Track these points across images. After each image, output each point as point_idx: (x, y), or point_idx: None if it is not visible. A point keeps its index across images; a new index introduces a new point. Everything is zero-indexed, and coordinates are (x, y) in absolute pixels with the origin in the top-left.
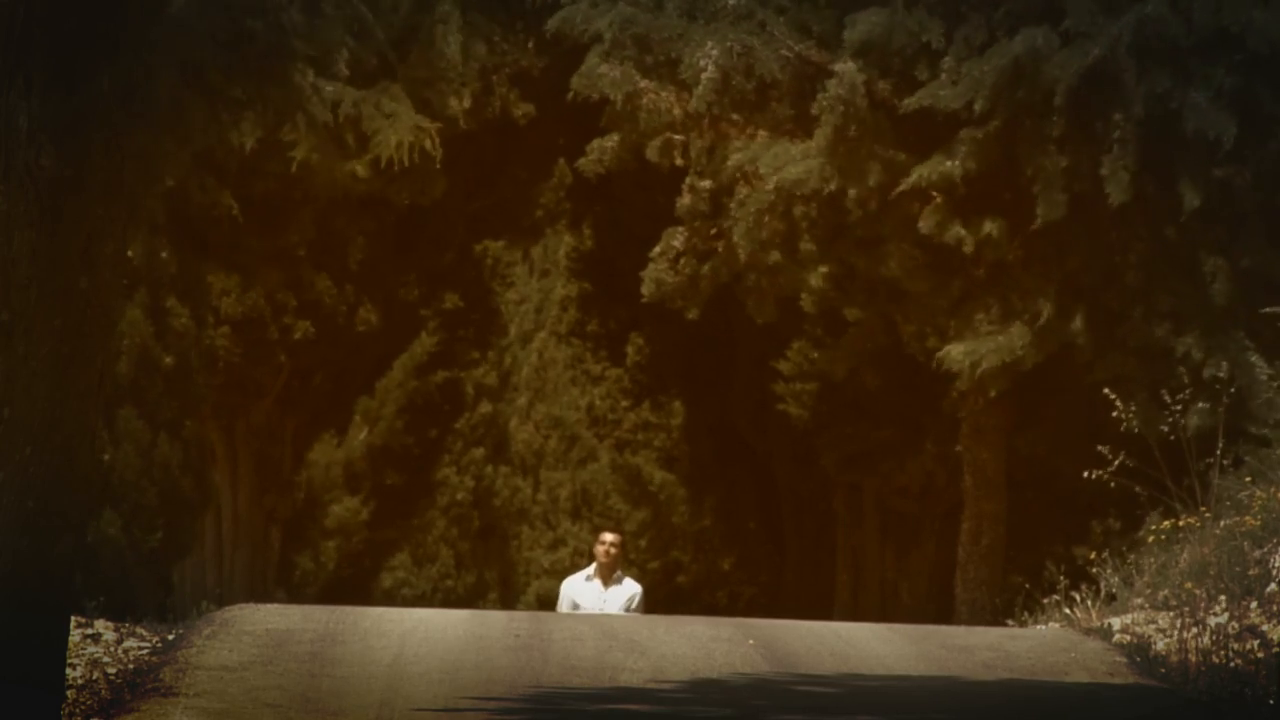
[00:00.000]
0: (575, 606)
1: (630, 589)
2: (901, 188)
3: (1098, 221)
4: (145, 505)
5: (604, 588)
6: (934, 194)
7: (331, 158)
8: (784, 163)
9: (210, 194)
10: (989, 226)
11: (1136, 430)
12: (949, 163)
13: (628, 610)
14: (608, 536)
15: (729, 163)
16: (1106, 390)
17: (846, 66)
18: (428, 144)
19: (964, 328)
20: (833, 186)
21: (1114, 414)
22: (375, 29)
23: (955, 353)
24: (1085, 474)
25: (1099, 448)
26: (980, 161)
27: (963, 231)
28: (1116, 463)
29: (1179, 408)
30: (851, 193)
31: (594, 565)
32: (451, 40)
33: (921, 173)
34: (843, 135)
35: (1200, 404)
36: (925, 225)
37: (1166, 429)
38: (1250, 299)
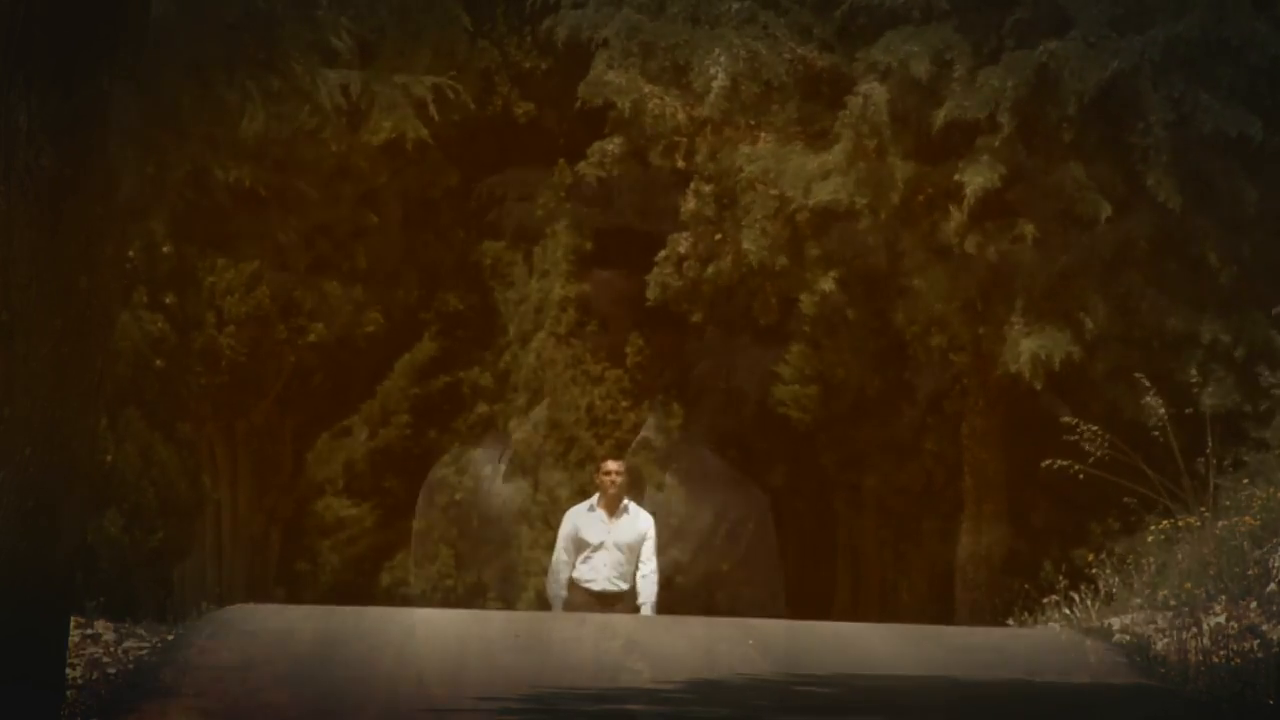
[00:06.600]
0: (579, 540)
1: (640, 520)
2: (968, 200)
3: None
4: (145, 505)
5: (609, 519)
6: (951, 205)
7: (344, 142)
8: (806, 180)
9: (231, 171)
10: (1026, 229)
11: (1107, 447)
12: (985, 172)
13: (638, 543)
14: (611, 465)
15: (744, 173)
16: (1067, 418)
17: (874, 87)
18: (416, 128)
19: (998, 328)
20: (862, 203)
21: (1077, 437)
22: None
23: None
24: (1044, 463)
25: (1156, 430)
26: (1008, 167)
27: (993, 247)
28: (1169, 451)
29: (1197, 389)
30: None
31: (597, 495)
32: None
33: (975, 182)
34: (864, 152)
35: (1217, 381)
36: (952, 236)
37: (1191, 408)
38: (1254, 292)
